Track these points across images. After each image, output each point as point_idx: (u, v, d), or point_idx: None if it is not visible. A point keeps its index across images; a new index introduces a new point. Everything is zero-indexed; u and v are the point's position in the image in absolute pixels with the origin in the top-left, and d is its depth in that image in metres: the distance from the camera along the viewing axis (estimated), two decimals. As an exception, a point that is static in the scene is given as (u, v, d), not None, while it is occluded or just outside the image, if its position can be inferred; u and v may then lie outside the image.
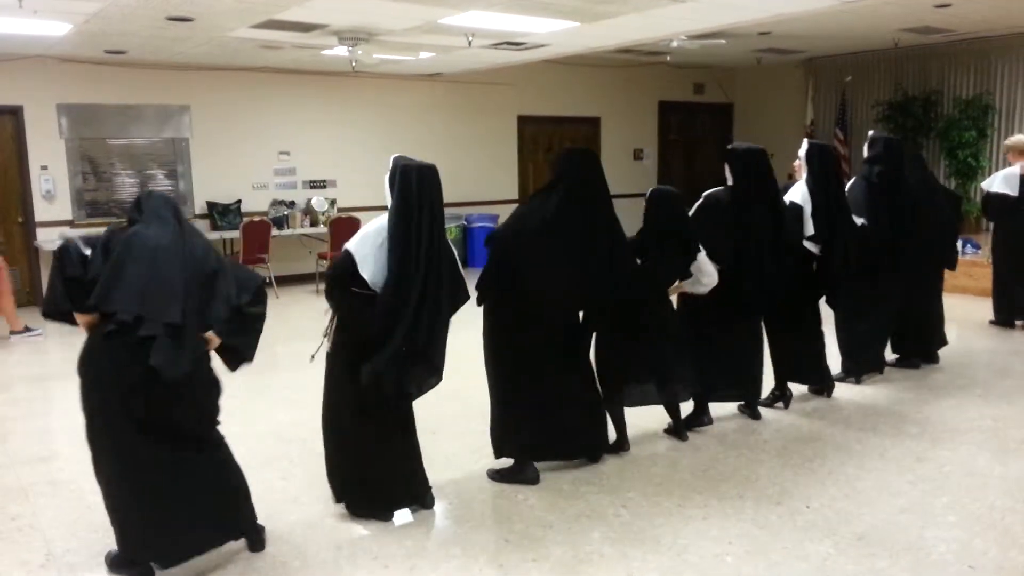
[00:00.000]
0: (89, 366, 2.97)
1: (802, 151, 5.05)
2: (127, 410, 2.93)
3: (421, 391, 3.45)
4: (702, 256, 4.29)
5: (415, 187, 3.31)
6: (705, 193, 4.62)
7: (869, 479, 3.93)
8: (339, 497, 3.62)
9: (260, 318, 3.20)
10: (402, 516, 3.62)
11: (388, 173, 3.40)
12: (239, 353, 3.20)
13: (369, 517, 3.56)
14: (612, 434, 4.27)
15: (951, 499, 3.70)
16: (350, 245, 3.35)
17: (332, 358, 3.50)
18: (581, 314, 3.98)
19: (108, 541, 3.38)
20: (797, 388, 5.14)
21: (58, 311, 3.01)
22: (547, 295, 3.74)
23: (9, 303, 7.48)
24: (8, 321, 7.52)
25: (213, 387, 3.16)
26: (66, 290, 2.94)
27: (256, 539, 3.33)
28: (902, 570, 3.09)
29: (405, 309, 3.25)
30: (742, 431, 4.63)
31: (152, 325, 2.86)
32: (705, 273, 4.32)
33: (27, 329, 7.49)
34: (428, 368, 3.40)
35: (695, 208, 4.55)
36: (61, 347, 7.28)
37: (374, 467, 3.52)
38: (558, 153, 3.98)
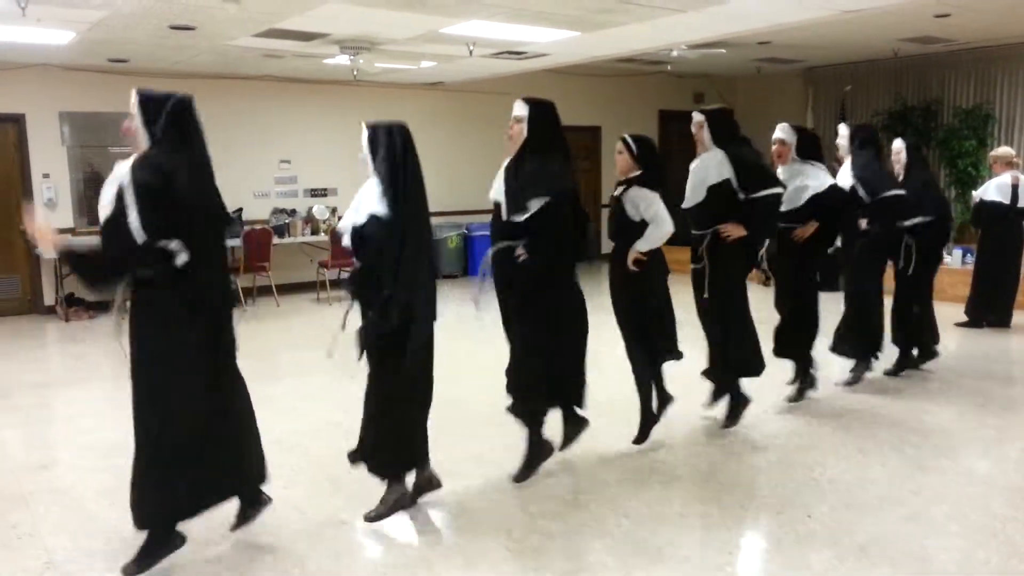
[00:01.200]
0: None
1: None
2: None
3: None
4: (660, 206, 4.28)
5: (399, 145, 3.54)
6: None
7: (871, 488, 3.93)
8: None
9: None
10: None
11: (367, 137, 3.54)
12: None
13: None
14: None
15: (953, 508, 3.69)
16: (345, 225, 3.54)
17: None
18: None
19: (108, 548, 3.39)
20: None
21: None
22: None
23: None
24: None
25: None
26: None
27: (249, 512, 3.40)
28: (904, 580, 3.09)
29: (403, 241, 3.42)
30: (743, 440, 4.62)
31: None
32: (663, 220, 4.23)
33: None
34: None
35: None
36: (61, 355, 7.32)
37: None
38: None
